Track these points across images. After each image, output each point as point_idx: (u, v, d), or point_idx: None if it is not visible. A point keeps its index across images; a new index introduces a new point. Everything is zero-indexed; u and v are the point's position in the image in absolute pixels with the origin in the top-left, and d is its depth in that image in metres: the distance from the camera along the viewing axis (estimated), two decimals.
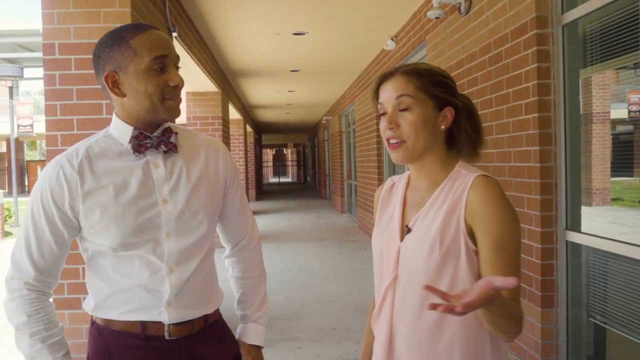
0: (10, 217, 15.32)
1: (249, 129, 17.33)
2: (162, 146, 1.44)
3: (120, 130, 1.44)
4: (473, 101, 1.46)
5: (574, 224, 3.34)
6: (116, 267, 1.43)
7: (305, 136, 32.55)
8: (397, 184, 1.49)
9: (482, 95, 4.11)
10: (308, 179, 33.51)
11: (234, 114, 12.04)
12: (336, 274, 7.04)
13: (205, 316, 1.53)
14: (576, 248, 3.33)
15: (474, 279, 1.27)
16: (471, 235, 1.27)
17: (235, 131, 13.34)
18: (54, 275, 1.46)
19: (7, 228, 14.05)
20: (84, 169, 1.40)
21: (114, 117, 1.47)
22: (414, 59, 6.41)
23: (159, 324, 1.44)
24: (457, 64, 4.66)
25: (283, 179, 45.76)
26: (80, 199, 1.38)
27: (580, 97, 3.35)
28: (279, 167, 47.76)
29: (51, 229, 1.40)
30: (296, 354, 4.14)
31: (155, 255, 1.42)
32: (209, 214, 1.51)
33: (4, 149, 34.80)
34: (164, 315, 1.44)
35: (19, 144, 30.45)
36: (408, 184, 1.44)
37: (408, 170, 1.50)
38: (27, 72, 22.92)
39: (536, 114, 3.35)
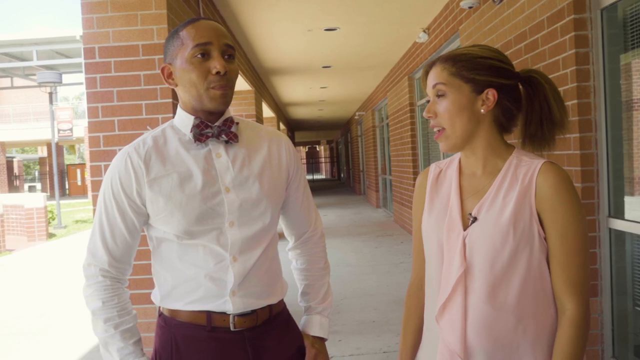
0: (53, 220, 15.76)
1: (282, 126, 17.41)
2: (223, 135, 1.46)
3: (183, 121, 1.48)
4: None
5: (617, 212, 3.28)
6: (181, 256, 1.46)
7: (337, 132, 32.54)
8: (444, 170, 1.46)
9: None
10: (342, 175, 33.49)
11: (267, 112, 12.13)
12: (374, 268, 7.04)
13: (270, 307, 1.54)
14: (620, 236, 3.27)
15: (548, 265, 1.29)
16: (540, 221, 1.28)
17: None
18: (127, 262, 1.50)
19: (51, 230, 14.46)
20: (150, 158, 1.44)
21: (178, 108, 1.52)
22: (446, 51, 6.35)
23: (224, 316, 1.46)
24: None
25: (316, 176, 45.87)
26: (146, 186, 1.42)
27: (631, 82, 3.27)
28: (312, 164, 47.89)
29: (121, 215, 1.45)
30: (337, 346, 4.17)
31: (219, 244, 1.44)
32: (271, 204, 1.52)
33: (44, 154, 35.77)
34: (229, 304, 1.45)
35: (59, 149, 31.25)
36: (460, 171, 1.42)
37: (450, 155, 1.49)
38: (65, 78, 23.55)
39: (575, 101, 3.30)
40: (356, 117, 18.03)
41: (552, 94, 1.33)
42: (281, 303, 1.62)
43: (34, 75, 19.36)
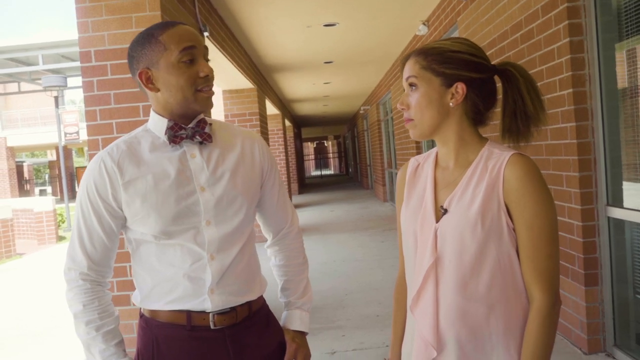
0: (63, 222, 15.89)
1: (287, 123, 17.43)
2: (197, 136, 1.48)
3: (157, 124, 1.50)
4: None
5: (616, 200, 3.26)
6: (159, 257, 1.48)
7: (344, 127, 32.52)
8: (422, 163, 1.49)
9: None
10: (350, 170, 33.49)
11: (271, 109, 12.14)
12: (379, 262, 7.05)
13: (249, 304, 1.57)
14: (619, 224, 3.26)
15: (517, 256, 1.31)
16: (509, 213, 1.29)
17: (274, 126, 13.45)
18: (107, 265, 1.53)
19: (60, 233, 14.58)
20: (124, 161, 1.47)
21: (151, 112, 1.53)
22: None
23: (204, 314, 1.48)
24: (489, 44, 4.59)
25: (325, 172, 45.88)
26: (121, 189, 1.45)
27: (625, 69, 3.25)
28: (321, 159, 47.89)
29: (98, 220, 1.47)
30: (341, 341, 4.18)
31: (196, 243, 1.46)
32: (247, 201, 1.55)
33: (54, 157, 36.01)
34: (207, 302, 1.47)
35: (67, 152, 31.45)
36: (436, 164, 1.45)
37: (432, 148, 1.50)
38: (71, 81, 23.68)
39: (570, 90, 3.29)
40: (361, 112, 18.02)
41: (526, 88, 1.33)
42: (260, 299, 1.64)
43: (40, 79, 19.47)
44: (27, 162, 42.28)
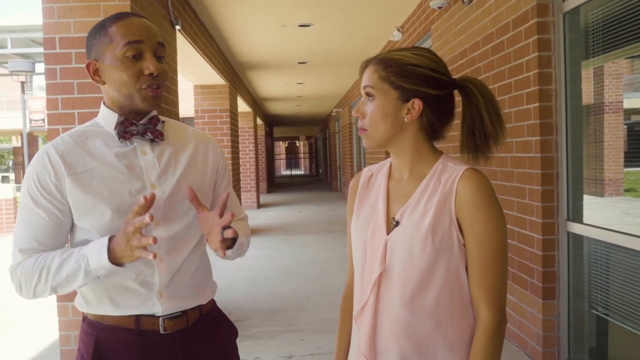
0: None
1: (259, 121, 17.34)
2: (149, 133, 1.43)
3: (106, 118, 1.45)
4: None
5: (576, 215, 3.30)
6: None
7: (317, 128, 32.52)
8: (375, 174, 1.47)
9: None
10: (320, 171, 33.50)
11: (243, 106, 12.06)
12: (343, 266, 7.02)
13: (200, 307, 1.52)
14: (578, 239, 3.30)
15: (466, 272, 1.29)
16: (460, 228, 1.28)
17: (245, 124, 13.36)
18: (57, 246, 1.43)
19: None
20: (69, 154, 1.39)
21: (101, 105, 1.47)
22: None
23: (153, 318, 1.43)
24: (460, 53, 4.61)
25: (295, 172, 45.80)
26: (66, 181, 1.37)
27: (591, 86, 3.29)
28: (292, 159, 47.78)
29: (41, 209, 1.38)
30: (299, 345, 4.15)
31: None
32: None
33: (19, 144, 35.17)
34: (157, 306, 1.42)
35: (32, 139, 30.73)
36: (390, 175, 1.42)
37: (385, 159, 1.48)
38: (40, 67, 23.15)
39: (537, 104, 3.32)
40: (334, 114, 18.02)
41: (485, 107, 1.30)
42: (211, 302, 1.60)
43: (7, 63, 19.00)
44: None
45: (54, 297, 5.12)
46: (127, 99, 1.39)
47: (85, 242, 1.41)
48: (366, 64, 1.36)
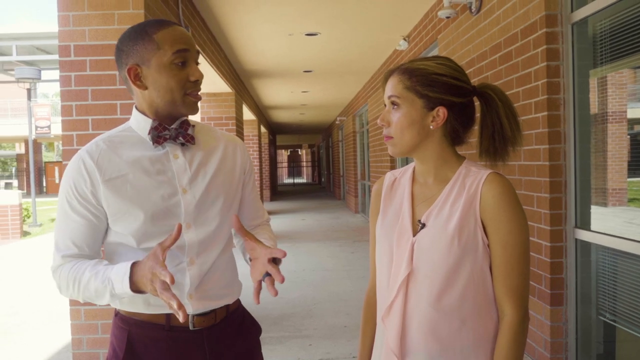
0: (28, 217, 15.54)
1: (263, 129, 17.41)
2: (181, 138, 1.48)
3: (140, 123, 1.48)
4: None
5: (584, 223, 3.34)
6: None
7: (319, 137, 32.58)
8: (399, 178, 1.51)
9: None
10: (322, 179, 33.52)
11: (248, 114, 12.11)
12: (349, 273, 7.07)
13: (227, 306, 1.58)
14: (585, 246, 3.34)
15: (490, 272, 1.34)
16: (484, 229, 1.33)
17: (250, 132, 13.42)
18: (94, 252, 1.48)
19: (25, 228, 14.26)
20: (103, 160, 1.44)
21: (133, 110, 1.51)
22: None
23: None
24: (468, 63, 4.67)
25: (298, 180, 45.87)
26: (101, 187, 1.41)
27: (596, 95, 3.33)
28: (294, 167, 47.83)
29: (78, 215, 1.43)
30: (307, 350, 4.18)
31: (176, 246, 1.45)
32: (227, 204, 1.55)
33: (22, 150, 35.27)
34: (187, 307, 1.47)
35: (37, 146, 30.85)
36: (413, 179, 1.47)
37: (407, 163, 1.53)
38: (45, 74, 23.27)
39: (545, 113, 3.36)
40: (337, 122, 18.09)
41: (504, 111, 1.36)
42: (237, 300, 1.66)
43: (13, 70, 19.10)
44: None
45: (65, 301, 5.14)
46: (169, 104, 1.43)
47: (119, 245, 1.46)
48: (390, 74, 1.41)
